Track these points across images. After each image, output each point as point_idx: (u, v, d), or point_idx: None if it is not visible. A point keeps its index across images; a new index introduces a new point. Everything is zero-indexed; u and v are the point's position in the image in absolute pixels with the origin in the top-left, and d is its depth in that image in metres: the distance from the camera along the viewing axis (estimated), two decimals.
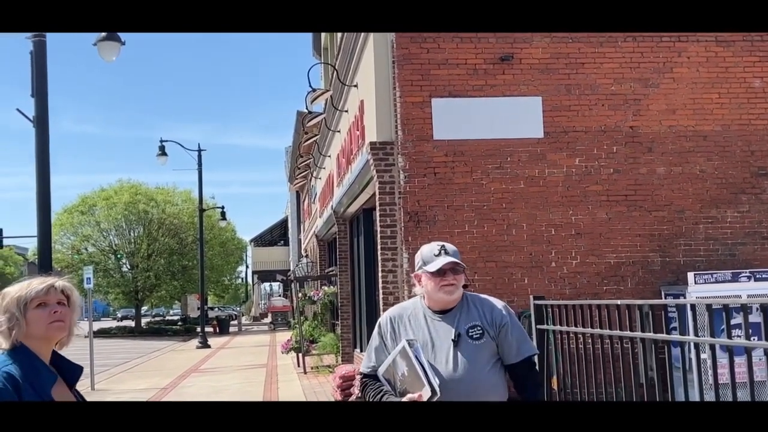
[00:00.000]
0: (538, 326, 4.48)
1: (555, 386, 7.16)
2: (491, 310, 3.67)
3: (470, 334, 3.58)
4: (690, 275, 9.80)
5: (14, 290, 2.84)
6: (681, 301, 8.35)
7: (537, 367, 3.67)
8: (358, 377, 3.76)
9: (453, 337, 3.56)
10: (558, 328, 4.23)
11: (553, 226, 10.88)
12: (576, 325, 3.95)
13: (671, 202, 11.07)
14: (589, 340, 4.39)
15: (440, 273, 3.60)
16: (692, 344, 4.83)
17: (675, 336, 5.79)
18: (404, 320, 3.73)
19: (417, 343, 3.57)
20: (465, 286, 3.74)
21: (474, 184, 10.89)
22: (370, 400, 3.62)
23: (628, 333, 4.91)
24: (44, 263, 10.95)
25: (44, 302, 2.83)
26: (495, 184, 10.91)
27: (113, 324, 58.75)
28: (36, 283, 2.85)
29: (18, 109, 11.14)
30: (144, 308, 57.82)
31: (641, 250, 10.95)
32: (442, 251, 3.64)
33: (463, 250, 10.52)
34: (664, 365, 8.11)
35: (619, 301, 3.63)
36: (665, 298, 10.21)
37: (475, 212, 10.86)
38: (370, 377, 3.73)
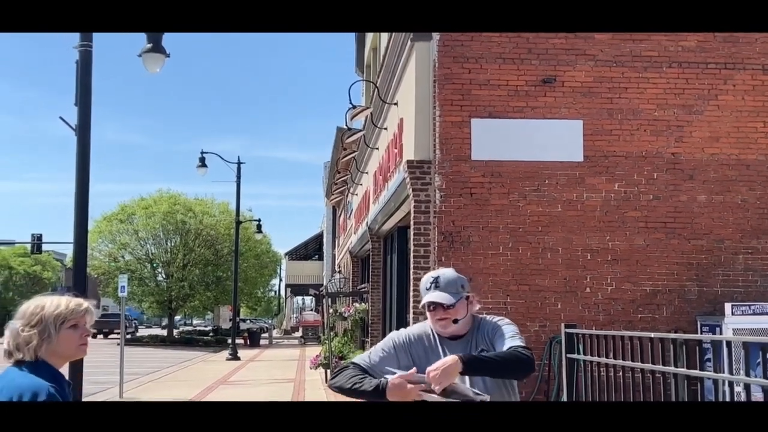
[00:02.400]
0: (569, 355, 4.36)
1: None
2: (491, 328, 3.59)
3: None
4: (727, 306, 9.61)
5: (51, 306, 2.82)
6: (716, 336, 8.16)
7: (527, 350, 3.42)
8: (343, 363, 3.58)
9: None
10: (588, 358, 4.12)
11: (589, 251, 10.75)
12: (607, 356, 3.83)
13: (711, 231, 10.88)
14: (620, 372, 4.25)
15: (429, 308, 3.56)
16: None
17: (708, 373, 5.61)
18: (423, 341, 3.64)
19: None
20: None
21: (510, 206, 10.80)
22: (348, 385, 3.45)
23: (659, 367, 4.73)
24: (79, 269, 11.02)
25: (77, 324, 2.87)
26: (531, 207, 10.81)
27: (149, 332, 59.25)
28: (73, 304, 2.86)
29: (61, 117, 11.25)
30: (177, 318, 58.28)
31: (678, 279, 10.76)
32: (433, 285, 3.55)
33: (496, 273, 10.56)
34: (696, 397, 7.93)
35: (652, 334, 3.52)
36: (701, 328, 10.01)
37: (510, 234, 10.76)
38: (359, 368, 3.58)
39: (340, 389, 3.53)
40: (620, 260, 10.75)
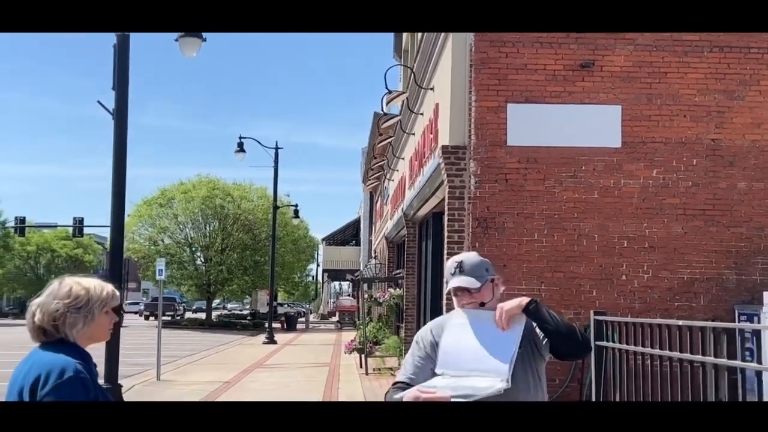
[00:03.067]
0: (597, 342, 4.28)
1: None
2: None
3: None
4: (766, 295, 9.42)
5: (96, 289, 2.85)
6: (749, 325, 8.00)
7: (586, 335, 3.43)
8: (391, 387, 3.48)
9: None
10: (618, 345, 4.04)
11: (625, 239, 10.61)
12: (637, 344, 3.74)
13: (751, 219, 10.68)
14: (649, 360, 4.14)
15: (455, 293, 3.54)
16: None
17: (737, 362, 5.43)
18: (445, 326, 3.56)
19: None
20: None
21: (546, 192, 10.70)
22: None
23: (687, 356, 4.57)
24: (116, 252, 11.17)
25: (112, 310, 2.96)
26: (568, 193, 10.69)
27: (188, 316, 59.96)
28: (112, 289, 2.92)
29: (99, 101, 11.38)
30: (216, 302, 58.83)
31: (716, 267, 10.58)
32: (458, 270, 3.50)
33: (530, 259, 10.47)
34: (736, 387, 7.79)
35: (680, 322, 3.41)
36: (739, 317, 9.84)
37: (546, 221, 10.66)
38: (401, 387, 3.45)
39: None
40: (657, 248, 10.60)
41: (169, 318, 52.54)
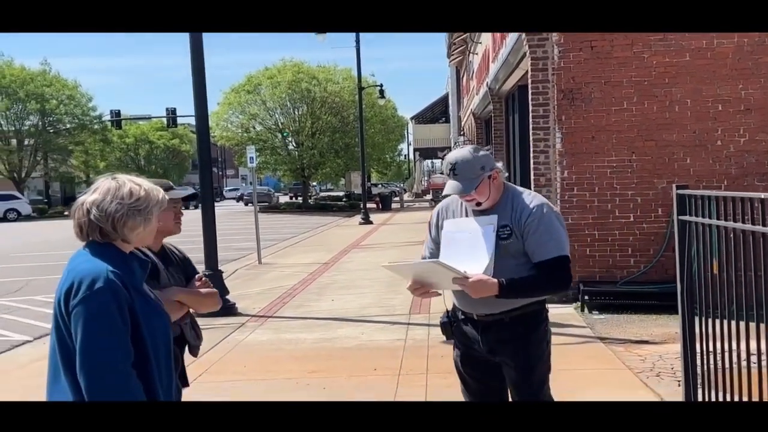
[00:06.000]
0: (680, 217, 4.16)
1: (716, 270, 6.84)
2: (521, 210, 3.62)
3: (499, 233, 3.62)
4: None
5: (154, 191, 2.81)
6: None
7: (563, 270, 3.60)
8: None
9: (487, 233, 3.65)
10: (701, 220, 3.91)
11: (720, 102, 10.17)
12: (728, 219, 3.60)
13: None
14: (745, 235, 3.97)
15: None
16: None
17: None
18: (448, 211, 3.87)
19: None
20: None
21: (634, 57, 10.28)
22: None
23: None
24: (203, 143, 11.45)
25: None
26: (657, 58, 10.25)
27: (287, 199, 61.41)
28: (164, 194, 2.90)
29: None
30: (313, 184, 59.82)
31: None
32: (452, 173, 3.63)
33: (620, 129, 10.21)
34: None
35: (762, 195, 3.26)
36: None
37: (635, 88, 10.29)
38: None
39: None
40: (754, 110, 10.13)
41: (266, 204, 53.89)
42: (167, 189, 3.45)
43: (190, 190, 3.83)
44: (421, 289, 3.70)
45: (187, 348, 3.57)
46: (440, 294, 3.81)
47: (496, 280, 3.53)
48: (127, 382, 2.58)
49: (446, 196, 3.78)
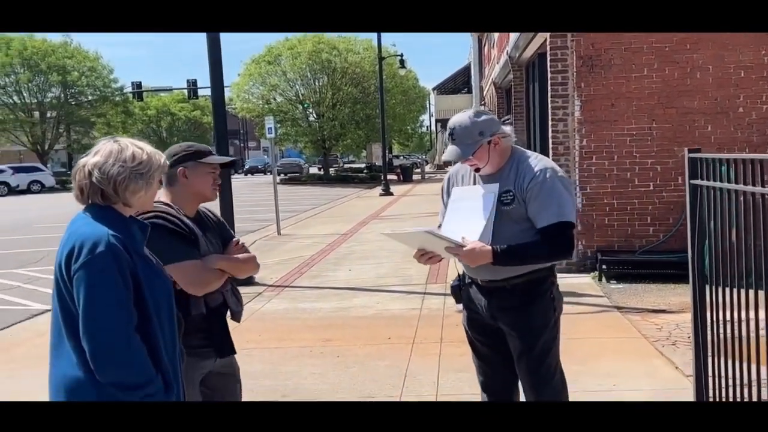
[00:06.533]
0: (692, 182, 4.07)
1: (734, 237, 6.73)
2: (525, 175, 3.56)
3: (502, 199, 3.56)
4: None
5: (156, 155, 2.77)
6: None
7: (563, 237, 3.52)
8: None
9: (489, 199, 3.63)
10: (712, 184, 3.82)
11: (742, 68, 9.98)
12: (739, 183, 3.51)
13: None
14: (757, 199, 3.86)
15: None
16: None
17: None
18: (458, 177, 3.87)
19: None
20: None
21: None
22: None
23: None
24: (219, 115, 11.43)
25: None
26: None
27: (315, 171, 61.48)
28: (165, 159, 2.87)
29: None
30: (337, 155, 59.71)
31: None
32: (450, 138, 3.61)
33: (640, 96, 10.06)
34: None
35: None
36: None
37: (656, 54, 10.12)
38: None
39: None
40: None
41: (297, 174, 53.94)
42: (207, 154, 3.45)
43: (230, 158, 3.85)
44: (426, 255, 3.67)
45: (229, 314, 3.54)
46: (443, 259, 3.76)
47: (490, 248, 3.48)
48: (130, 346, 2.58)
49: (447, 162, 3.75)
